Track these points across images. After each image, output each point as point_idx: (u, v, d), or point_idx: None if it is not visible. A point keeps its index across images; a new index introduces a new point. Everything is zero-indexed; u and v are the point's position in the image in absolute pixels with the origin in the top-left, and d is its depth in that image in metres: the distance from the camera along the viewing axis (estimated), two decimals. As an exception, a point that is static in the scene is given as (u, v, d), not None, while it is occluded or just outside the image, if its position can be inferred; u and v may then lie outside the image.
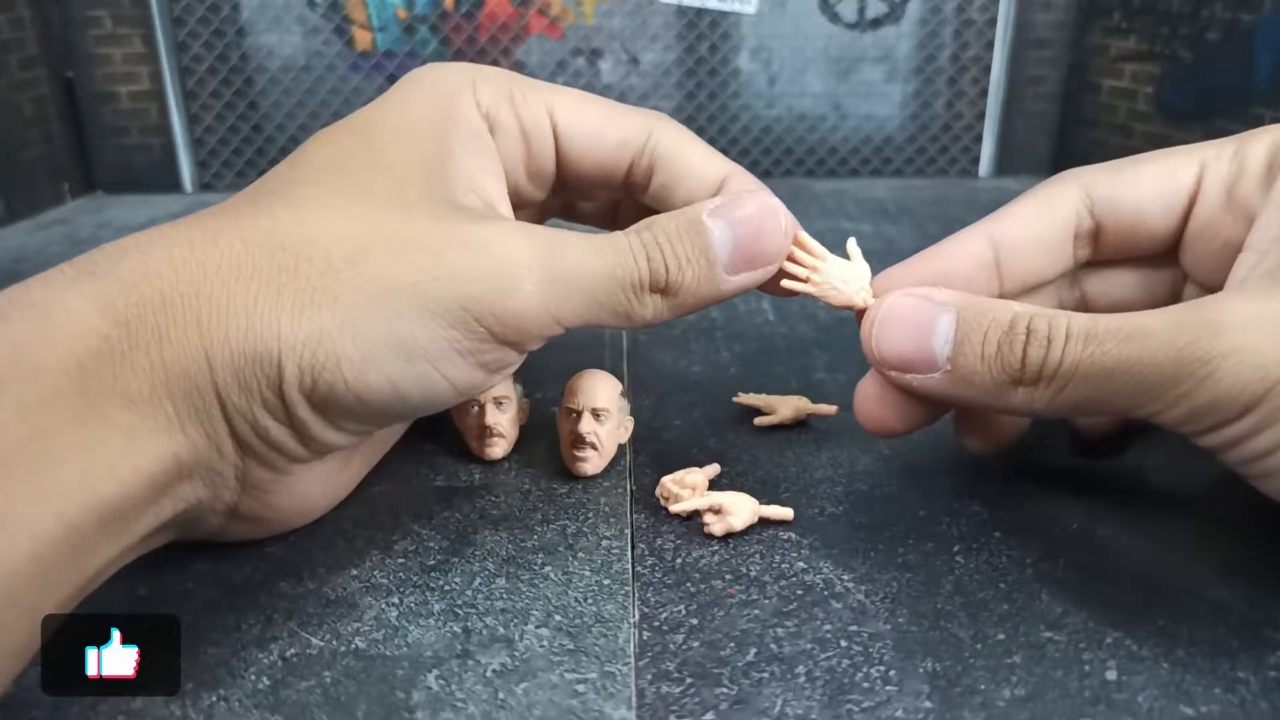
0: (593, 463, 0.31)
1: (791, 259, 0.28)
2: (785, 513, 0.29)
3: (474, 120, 0.27)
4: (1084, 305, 0.30)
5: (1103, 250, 0.28)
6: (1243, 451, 0.22)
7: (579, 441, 0.30)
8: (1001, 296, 0.28)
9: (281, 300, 0.22)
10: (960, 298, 0.25)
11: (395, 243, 0.23)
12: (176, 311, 0.21)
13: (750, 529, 0.28)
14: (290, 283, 0.22)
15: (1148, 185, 0.27)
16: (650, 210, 0.29)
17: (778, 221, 0.27)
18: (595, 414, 0.30)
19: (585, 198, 0.33)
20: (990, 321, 0.24)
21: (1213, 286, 0.27)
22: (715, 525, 0.28)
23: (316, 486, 0.27)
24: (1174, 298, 0.29)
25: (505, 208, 0.28)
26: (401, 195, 0.24)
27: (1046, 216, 0.28)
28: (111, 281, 0.21)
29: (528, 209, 0.32)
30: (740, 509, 0.28)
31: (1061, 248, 0.28)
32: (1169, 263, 0.28)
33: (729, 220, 0.26)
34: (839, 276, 0.28)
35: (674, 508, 0.29)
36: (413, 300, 0.23)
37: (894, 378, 0.26)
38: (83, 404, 0.20)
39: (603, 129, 0.29)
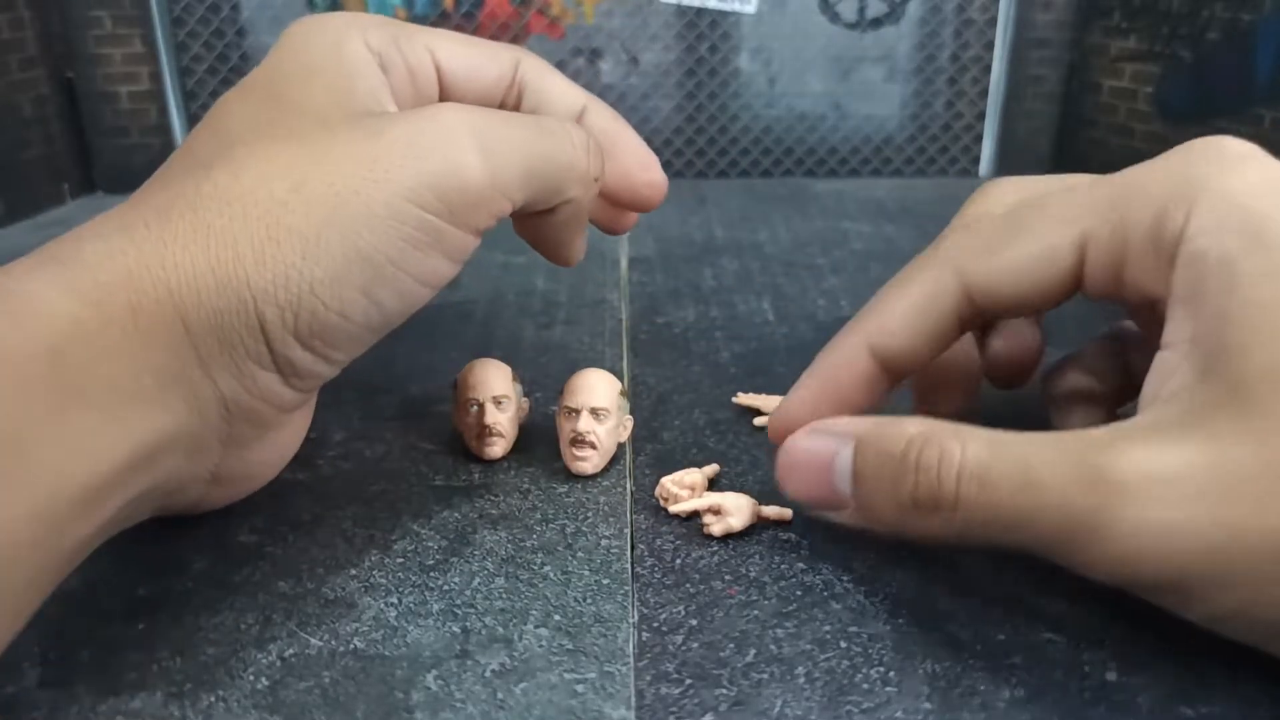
0: (592, 462, 0.31)
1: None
2: (784, 513, 0.29)
3: (367, 58, 0.28)
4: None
5: (989, 318, 0.27)
6: (1185, 616, 0.21)
7: (578, 441, 0.30)
8: (895, 385, 0.28)
9: (240, 250, 0.23)
10: (857, 427, 0.25)
11: (330, 161, 0.24)
12: (145, 284, 0.22)
13: (750, 529, 0.28)
14: (243, 231, 0.23)
15: (1023, 273, 0.25)
16: None
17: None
18: (594, 413, 0.30)
19: None
20: (884, 455, 0.23)
21: (1144, 320, 0.26)
22: (715, 525, 0.28)
23: (290, 432, 0.27)
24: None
25: None
26: (325, 125, 0.25)
27: (926, 312, 0.26)
28: (76, 265, 0.22)
29: None
30: (739, 509, 0.28)
31: (944, 336, 0.26)
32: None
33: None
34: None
35: (673, 508, 0.29)
36: (359, 208, 0.23)
37: (815, 514, 0.26)
38: (56, 389, 0.20)
39: (480, 65, 0.31)
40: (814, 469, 0.25)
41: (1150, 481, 0.19)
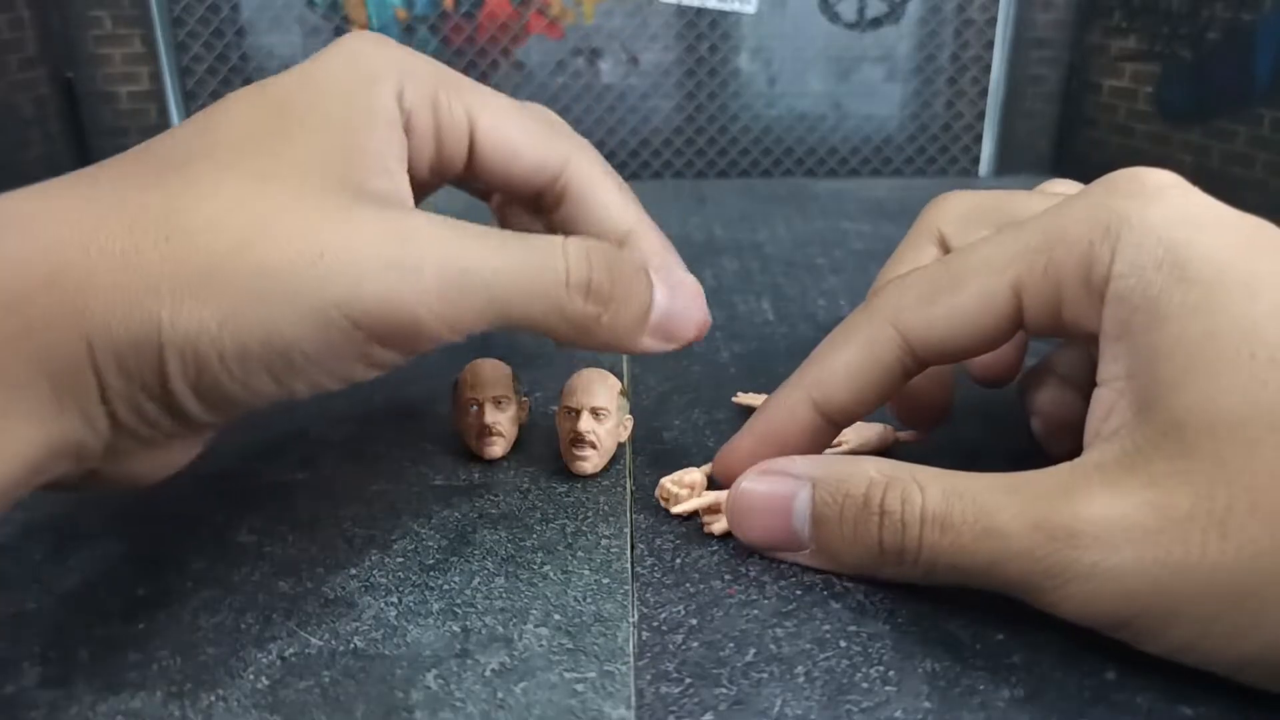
0: (592, 461, 0.31)
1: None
2: (916, 435, 0.29)
3: (392, 113, 0.26)
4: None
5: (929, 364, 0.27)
6: (1135, 646, 0.22)
7: (578, 440, 0.30)
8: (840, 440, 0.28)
9: (162, 292, 0.21)
10: (814, 468, 0.25)
11: (281, 235, 0.22)
12: (61, 297, 0.21)
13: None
14: (173, 272, 0.21)
15: (961, 326, 0.25)
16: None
17: (702, 311, 0.28)
18: (594, 413, 0.30)
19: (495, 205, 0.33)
20: (845, 498, 0.24)
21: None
22: (715, 525, 0.28)
23: (178, 451, 0.26)
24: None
25: (409, 198, 0.27)
26: (302, 181, 0.23)
27: (868, 369, 0.26)
28: None
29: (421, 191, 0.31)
30: (871, 433, 0.29)
31: (889, 388, 0.27)
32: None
33: (668, 287, 0.27)
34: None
35: (675, 509, 0.29)
36: (289, 299, 0.22)
37: (769, 555, 0.26)
38: None
39: (521, 150, 0.29)
40: (770, 512, 0.25)
41: (1100, 528, 0.20)
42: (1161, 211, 0.22)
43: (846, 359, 0.26)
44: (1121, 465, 0.21)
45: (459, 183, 0.31)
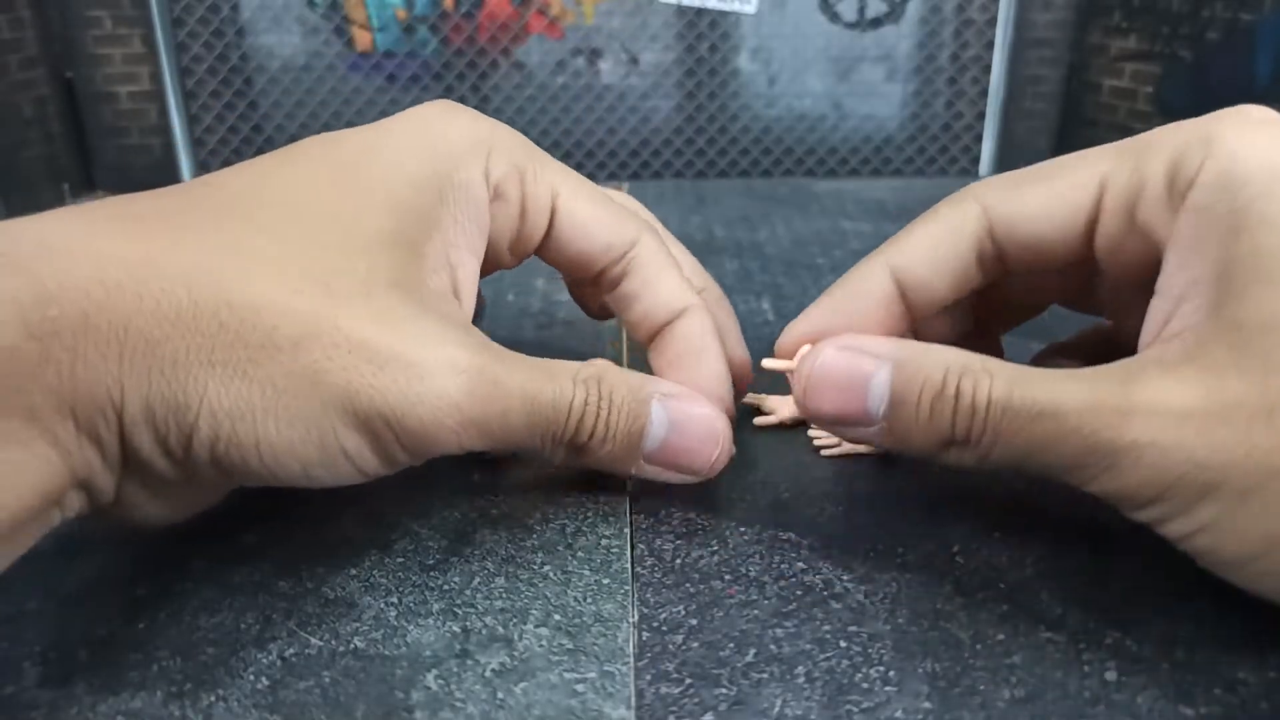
0: None
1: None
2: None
3: (478, 190, 0.27)
4: (1005, 301, 0.30)
5: (1010, 268, 0.28)
6: (1165, 532, 0.22)
7: None
8: (913, 324, 0.28)
9: (215, 360, 0.22)
10: (894, 349, 0.25)
11: (344, 336, 0.23)
12: (99, 337, 0.21)
13: (748, 530, 0.28)
14: (229, 345, 0.22)
15: (1041, 211, 0.26)
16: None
17: (713, 449, 0.27)
18: None
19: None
20: (924, 382, 0.24)
21: (1130, 298, 0.27)
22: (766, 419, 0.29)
23: (186, 503, 0.26)
24: (1094, 291, 0.29)
25: (469, 292, 0.28)
26: (367, 281, 0.24)
27: (948, 243, 0.27)
28: (31, 286, 0.20)
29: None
30: (785, 403, 0.30)
31: (965, 272, 0.27)
32: (1089, 264, 0.28)
33: (673, 418, 0.27)
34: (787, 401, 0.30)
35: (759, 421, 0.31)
36: (343, 402, 0.23)
37: (828, 429, 0.27)
38: None
39: (595, 229, 0.29)
40: (847, 386, 0.25)
41: (1153, 408, 0.21)
42: (1257, 137, 0.23)
43: (927, 230, 0.27)
44: (1180, 357, 0.22)
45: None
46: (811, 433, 0.33)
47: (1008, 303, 0.31)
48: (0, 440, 0.20)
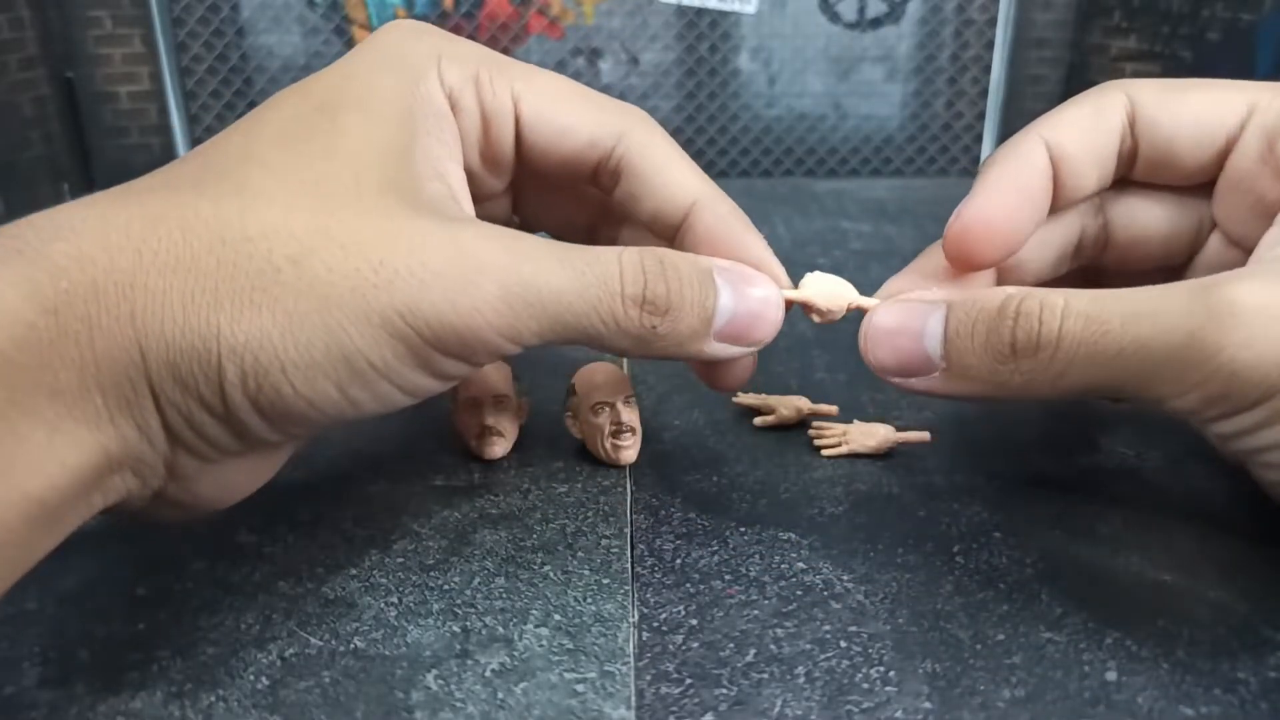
0: (635, 449, 0.32)
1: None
2: (921, 436, 0.31)
3: (439, 101, 0.26)
4: (1106, 232, 0.30)
5: (1136, 172, 0.28)
6: (1251, 441, 0.22)
7: (621, 431, 0.31)
8: (1054, 210, 0.28)
9: (220, 297, 0.21)
10: (949, 294, 0.25)
11: (340, 243, 0.22)
12: (109, 301, 0.20)
13: (748, 530, 0.28)
14: (230, 279, 0.21)
15: (1189, 117, 0.27)
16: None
17: (777, 313, 0.27)
18: (627, 401, 0.31)
19: (551, 204, 0.32)
20: (978, 311, 0.24)
21: (1239, 241, 0.27)
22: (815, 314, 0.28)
23: (244, 474, 0.25)
24: (1199, 240, 0.29)
25: (467, 199, 0.26)
26: (358, 188, 0.23)
27: (1098, 127, 0.27)
28: (40, 264, 0.20)
29: (488, 204, 0.30)
30: (873, 434, 0.31)
31: (1108, 161, 0.28)
32: (1201, 199, 0.28)
33: (736, 290, 0.26)
34: (825, 291, 0.28)
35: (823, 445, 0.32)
36: (352, 308, 0.22)
37: (898, 383, 0.26)
38: (4, 397, 0.19)
39: (571, 125, 0.27)
40: (903, 335, 0.26)
41: (1258, 305, 0.21)
42: None
43: (1082, 114, 0.28)
44: None
45: (519, 202, 0.31)
46: (811, 432, 0.33)
47: (1106, 249, 0.30)
48: (24, 420, 0.19)
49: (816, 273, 0.28)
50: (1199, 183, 0.28)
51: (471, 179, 0.28)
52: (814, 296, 0.28)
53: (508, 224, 0.30)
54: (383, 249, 0.22)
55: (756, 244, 0.28)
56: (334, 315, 0.22)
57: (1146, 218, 0.29)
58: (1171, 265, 0.30)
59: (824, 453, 0.32)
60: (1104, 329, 0.22)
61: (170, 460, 0.22)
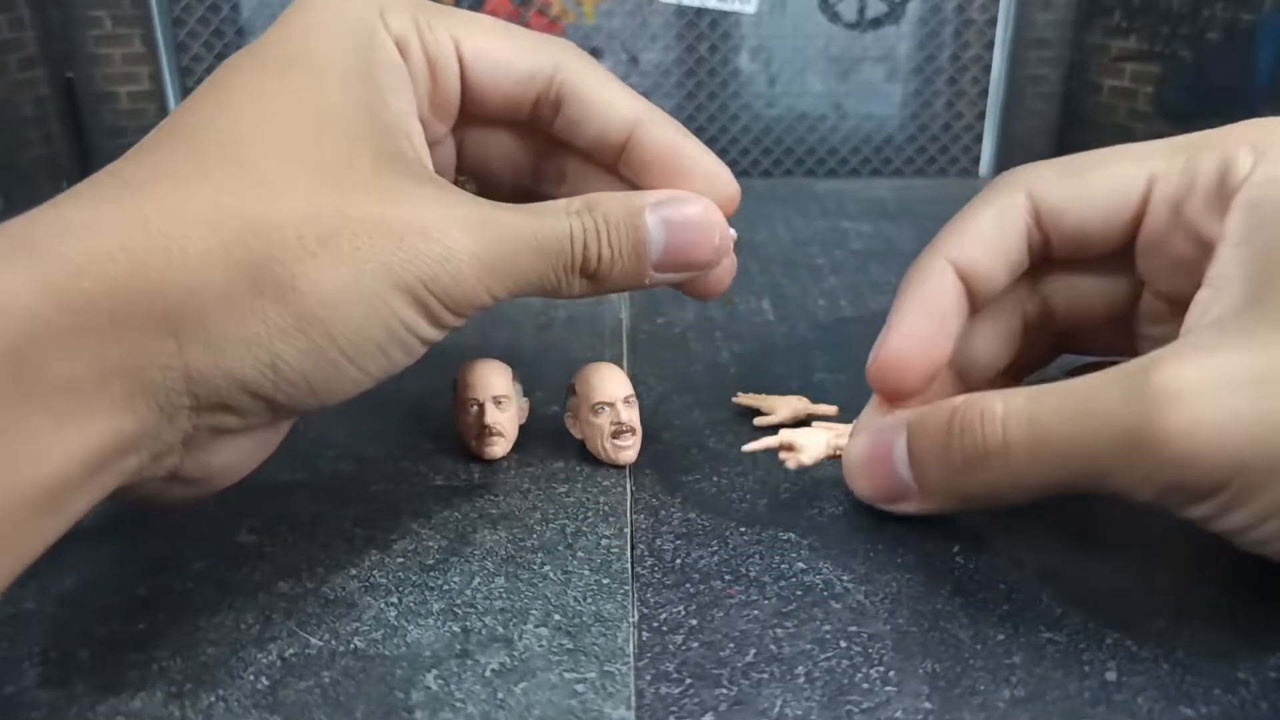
0: (636, 449, 0.32)
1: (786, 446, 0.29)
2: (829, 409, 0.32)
3: (393, 54, 0.26)
4: (1045, 309, 0.30)
5: (1054, 255, 0.28)
6: (1223, 524, 0.22)
7: (621, 431, 0.31)
8: (972, 316, 0.28)
9: (261, 285, 0.22)
10: (908, 416, 0.26)
11: (360, 222, 0.23)
12: (140, 300, 0.21)
13: (748, 530, 0.28)
14: (266, 268, 0.22)
15: (1091, 201, 0.26)
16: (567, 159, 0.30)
17: (711, 236, 0.28)
18: (627, 401, 0.31)
19: (493, 145, 0.32)
20: (930, 427, 0.25)
21: (1168, 297, 0.27)
22: (790, 460, 0.29)
23: (256, 444, 0.26)
24: (1134, 299, 0.28)
25: (426, 154, 0.28)
26: (357, 163, 0.24)
27: (1002, 232, 0.27)
28: (56, 263, 0.20)
29: (435, 150, 0.30)
30: (813, 443, 0.29)
31: (1018, 262, 0.28)
32: (1128, 263, 0.28)
33: (667, 221, 0.27)
34: (803, 441, 0.29)
35: (746, 448, 0.30)
36: (385, 280, 0.23)
37: (890, 510, 0.28)
38: (12, 390, 0.19)
39: (510, 60, 0.28)
40: (876, 463, 0.27)
41: (1197, 386, 0.20)
42: None
43: (976, 217, 0.28)
44: (1220, 334, 0.22)
45: (464, 149, 0.31)
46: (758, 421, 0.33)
47: (1051, 321, 0.30)
48: (34, 414, 0.19)
49: (799, 429, 0.30)
50: (1119, 248, 0.27)
51: (425, 126, 0.28)
52: (775, 405, 0.30)
53: (452, 169, 0.31)
54: (399, 226, 0.24)
55: (699, 153, 0.29)
56: (371, 287, 0.23)
57: (1080, 287, 0.29)
58: (1122, 314, 0.29)
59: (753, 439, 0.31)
60: (1046, 429, 0.22)
61: (189, 436, 0.23)
